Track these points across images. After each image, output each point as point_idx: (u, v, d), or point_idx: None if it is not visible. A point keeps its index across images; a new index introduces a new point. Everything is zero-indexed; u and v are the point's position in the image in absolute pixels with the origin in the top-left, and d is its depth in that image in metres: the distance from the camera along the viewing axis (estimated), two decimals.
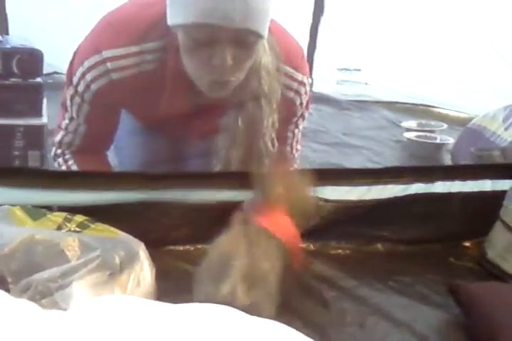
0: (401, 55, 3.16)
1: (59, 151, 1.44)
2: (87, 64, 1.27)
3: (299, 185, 1.19)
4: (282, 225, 1.13)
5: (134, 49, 1.25)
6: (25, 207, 1.07)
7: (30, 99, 1.85)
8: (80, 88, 1.31)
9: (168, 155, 1.61)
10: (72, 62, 1.34)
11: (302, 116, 1.50)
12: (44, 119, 1.86)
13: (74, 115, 1.37)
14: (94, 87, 1.29)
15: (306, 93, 1.44)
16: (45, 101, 1.92)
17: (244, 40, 1.16)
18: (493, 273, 1.33)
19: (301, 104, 1.45)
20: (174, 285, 1.15)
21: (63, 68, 2.81)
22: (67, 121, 1.40)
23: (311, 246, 1.37)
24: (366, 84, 3.44)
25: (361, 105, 3.13)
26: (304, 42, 2.96)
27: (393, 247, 1.42)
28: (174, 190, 1.26)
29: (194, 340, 0.67)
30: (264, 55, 1.27)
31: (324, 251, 1.38)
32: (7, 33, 2.77)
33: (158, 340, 0.67)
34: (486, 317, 1.05)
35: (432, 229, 1.44)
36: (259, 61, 1.26)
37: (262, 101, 1.29)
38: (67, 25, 2.65)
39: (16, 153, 1.85)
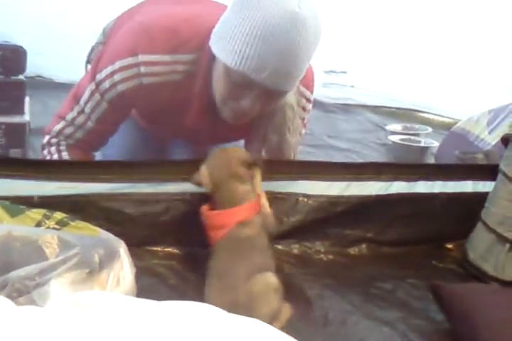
0: (387, 59, 3.16)
1: (54, 140, 1.40)
2: (118, 64, 1.27)
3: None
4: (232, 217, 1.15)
5: (167, 58, 1.26)
6: (3, 204, 1.05)
7: (12, 97, 1.81)
8: (104, 86, 1.30)
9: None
10: (98, 59, 1.33)
11: (301, 134, 1.48)
12: (26, 117, 1.83)
13: (87, 110, 1.35)
14: (121, 87, 1.29)
15: (309, 110, 1.45)
16: (27, 99, 1.90)
17: (277, 94, 1.21)
18: (474, 274, 1.34)
19: (303, 119, 1.44)
20: (154, 284, 1.14)
21: (48, 70, 2.81)
22: (74, 113, 1.36)
23: (295, 250, 1.37)
24: (352, 87, 3.44)
25: (346, 108, 3.13)
26: None
27: (377, 249, 1.42)
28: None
29: (174, 336, 0.67)
30: (290, 93, 1.28)
31: (307, 255, 1.37)
32: None
33: (138, 336, 0.66)
34: (467, 317, 1.06)
35: (415, 231, 1.44)
36: (285, 99, 1.28)
37: (287, 135, 1.33)
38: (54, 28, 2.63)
39: None
